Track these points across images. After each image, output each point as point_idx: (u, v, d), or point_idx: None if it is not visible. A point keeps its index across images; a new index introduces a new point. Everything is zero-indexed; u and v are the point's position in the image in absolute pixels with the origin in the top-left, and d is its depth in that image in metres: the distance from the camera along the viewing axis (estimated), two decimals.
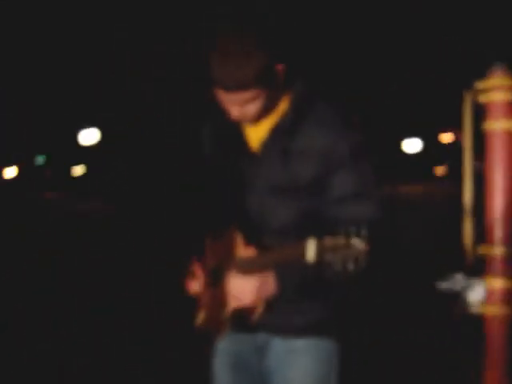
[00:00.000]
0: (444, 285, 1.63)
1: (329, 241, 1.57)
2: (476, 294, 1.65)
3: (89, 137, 31.30)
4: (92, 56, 23.85)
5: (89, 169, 34.65)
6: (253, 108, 1.91)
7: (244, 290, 1.85)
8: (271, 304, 1.91)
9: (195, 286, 2.10)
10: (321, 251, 1.58)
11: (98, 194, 24.85)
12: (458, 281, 1.64)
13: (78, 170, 35.92)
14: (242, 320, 1.94)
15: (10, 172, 33.23)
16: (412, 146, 39.69)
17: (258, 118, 1.96)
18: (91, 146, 31.41)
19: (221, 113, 2.02)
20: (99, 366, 4.41)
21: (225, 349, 2.17)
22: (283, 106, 1.99)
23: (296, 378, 2.05)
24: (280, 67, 1.91)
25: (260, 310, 1.88)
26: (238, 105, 1.90)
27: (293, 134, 1.95)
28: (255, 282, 1.84)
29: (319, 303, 2.04)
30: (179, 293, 2.23)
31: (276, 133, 1.98)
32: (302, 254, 1.63)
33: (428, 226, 11.79)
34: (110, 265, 8.48)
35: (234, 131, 2.07)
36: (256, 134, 2.03)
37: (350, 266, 1.55)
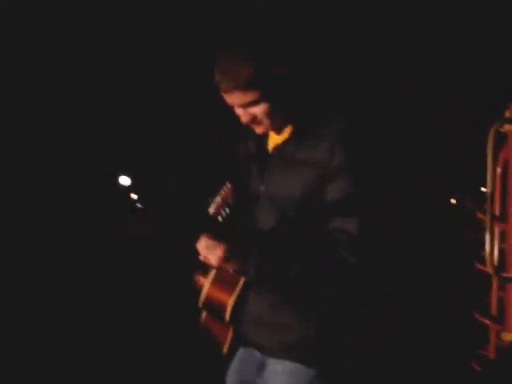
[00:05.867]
0: None
1: (219, 194, 2.10)
2: None
3: None
4: None
5: None
6: (258, 112, 1.97)
7: (209, 247, 1.94)
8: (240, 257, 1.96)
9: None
10: (215, 203, 2.11)
11: None
12: None
13: None
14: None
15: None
16: None
17: (269, 126, 2.02)
18: None
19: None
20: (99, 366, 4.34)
21: (233, 368, 2.25)
22: (289, 127, 2.07)
23: None
24: (282, 69, 1.95)
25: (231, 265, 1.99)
26: (241, 107, 1.97)
27: (296, 149, 2.03)
28: (221, 242, 1.94)
29: (298, 321, 2.01)
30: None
31: (282, 146, 2.07)
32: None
33: None
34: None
35: (261, 141, 2.17)
36: (271, 145, 2.14)
37: (225, 209, 2.10)
